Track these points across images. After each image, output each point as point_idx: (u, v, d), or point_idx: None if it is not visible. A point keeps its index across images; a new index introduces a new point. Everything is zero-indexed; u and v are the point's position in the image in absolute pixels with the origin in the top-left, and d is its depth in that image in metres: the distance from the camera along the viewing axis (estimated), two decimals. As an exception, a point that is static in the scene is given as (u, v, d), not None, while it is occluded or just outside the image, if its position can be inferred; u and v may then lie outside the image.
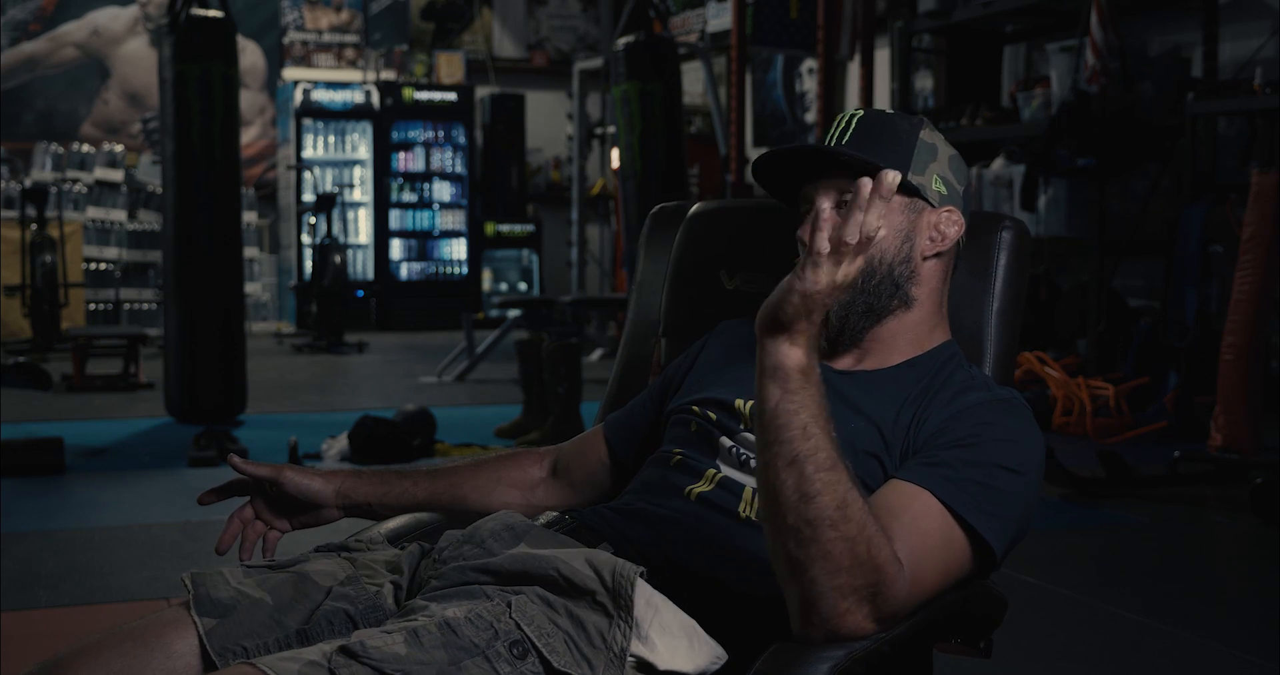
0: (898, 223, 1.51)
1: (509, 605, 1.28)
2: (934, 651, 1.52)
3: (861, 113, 1.55)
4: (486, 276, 12.58)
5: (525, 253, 12.65)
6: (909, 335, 1.54)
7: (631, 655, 1.30)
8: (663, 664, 1.31)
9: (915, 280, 1.52)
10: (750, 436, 1.49)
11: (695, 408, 1.57)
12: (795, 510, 1.20)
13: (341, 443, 5.32)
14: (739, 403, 1.53)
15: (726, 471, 1.50)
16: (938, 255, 1.54)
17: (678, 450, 1.55)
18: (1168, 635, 3.13)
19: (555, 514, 1.58)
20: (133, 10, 12.19)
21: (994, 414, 1.44)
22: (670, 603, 1.35)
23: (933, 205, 1.53)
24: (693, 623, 1.35)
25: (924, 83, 9.17)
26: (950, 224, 1.53)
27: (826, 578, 1.21)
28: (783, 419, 1.21)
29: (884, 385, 1.50)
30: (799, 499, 1.20)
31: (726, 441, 1.52)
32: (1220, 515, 4.47)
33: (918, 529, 1.31)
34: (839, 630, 1.23)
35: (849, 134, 1.52)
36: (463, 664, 1.21)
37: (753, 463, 1.46)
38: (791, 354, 1.22)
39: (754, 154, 10.99)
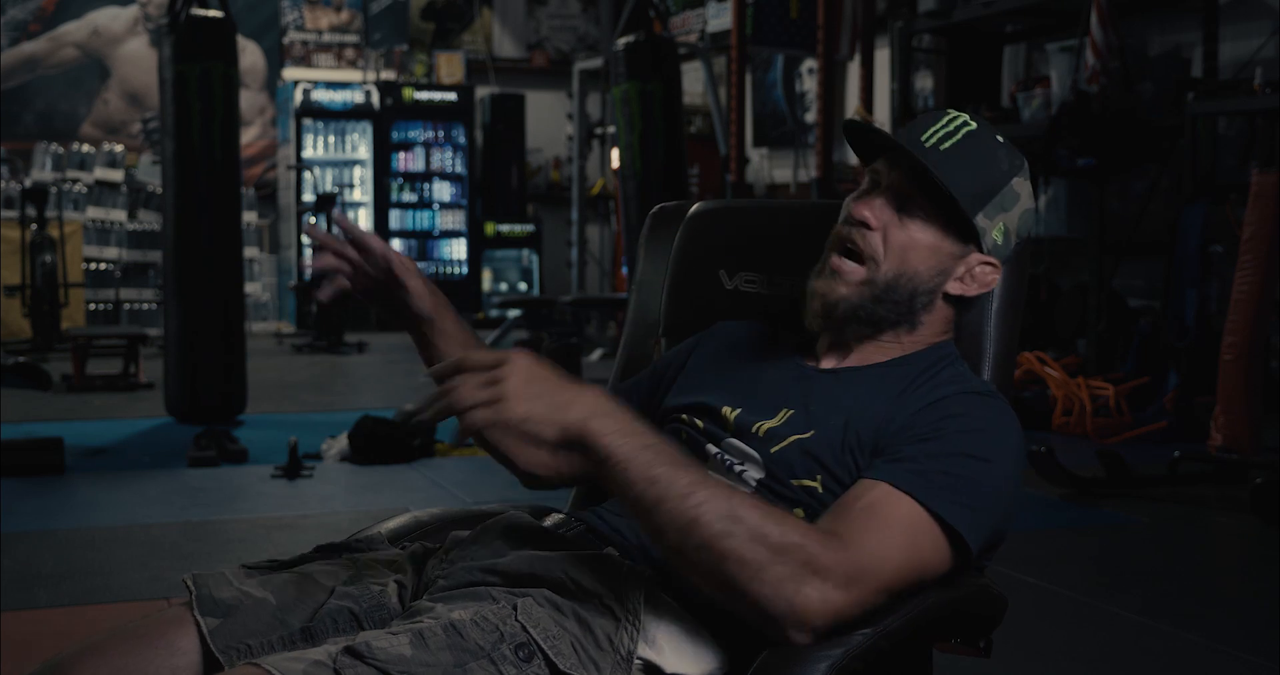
0: (943, 252, 1.48)
1: (515, 608, 1.28)
2: (934, 651, 1.52)
3: (973, 127, 1.47)
4: (486, 276, 12.58)
5: (525, 253, 12.65)
6: (903, 344, 1.53)
7: (638, 658, 1.31)
8: (669, 667, 1.32)
9: (929, 310, 1.51)
10: (735, 443, 1.49)
11: (684, 417, 1.57)
12: (687, 543, 1.21)
13: (341, 443, 5.32)
14: (725, 410, 1.53)
15: (716, 478, 1.50)
16: (960, 299, 1.52)
17: None
18: (1168, 635, 3.13)
19: (561, 516, 1.58)
20: (133, 10, 12.19)
21: (962, 406, 1.41)
22: (676, 606, 1.36)
23: (983, 250, 1.49)
24: (698, 626, 1.35)
25: (924, 83, 9.17)
26: (986, 274, 1.50)
27: (756, 581, 1.21)
28: (624, 486, 1.22)
29: (868, 382, 1.49)
30: (683, 532, 1.20)
31: (712, 448, 1.51)
32: (1220, 515, 4.47)
33: (866, 510, 1.30)
34: (805, 618, 1.22)
35: (950, 143, 1.45)
36: (468, 666, 1.21)
37: (737, 468, 1.47)
38: (587, 429, 1.21)
39: (754, 154, 10.99)
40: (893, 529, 1.30)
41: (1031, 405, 6.08)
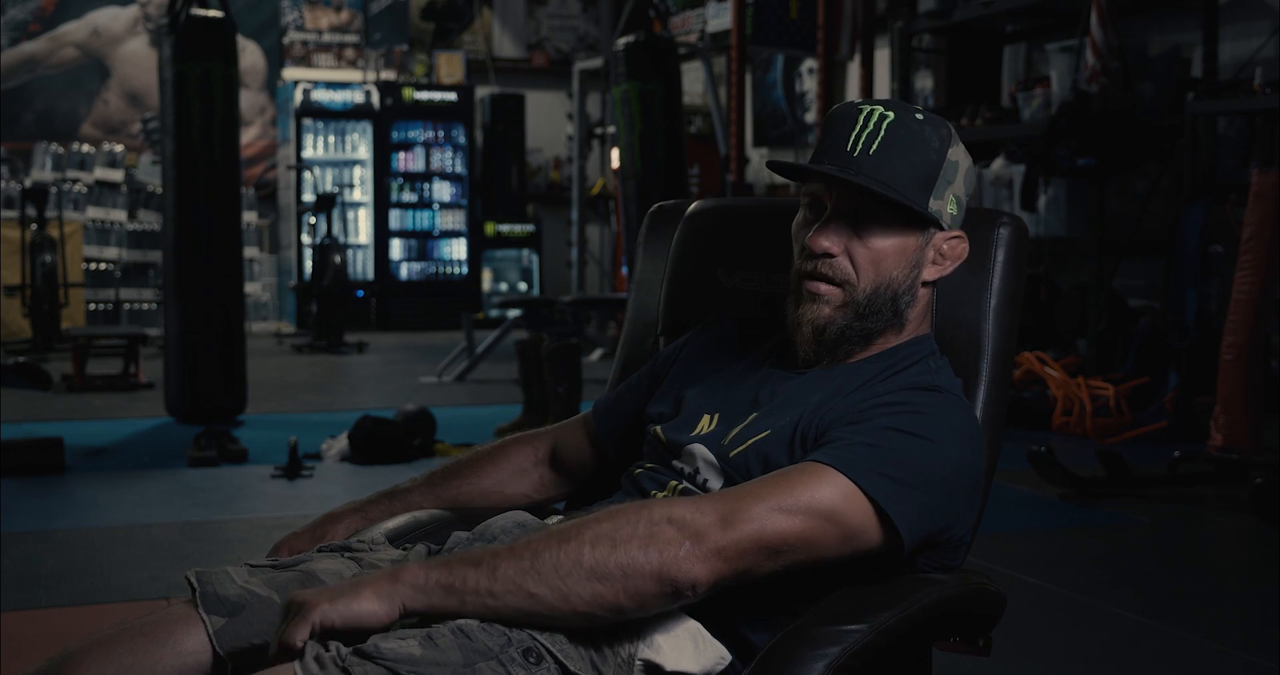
0: (910, 250, 1.48)
1: None
2: (934, 650, 1.52)
3: (891, 117, 1.46)
4: (486, 276, 12.58)
5: (525, 253, 12.65)
6: (887, 342, 1.53)
7: (639, 659, 1.31)
8: (669, 665, 1.33)
9: (912, 304, 1.52)
10: (701, 449, 1.50)
11: (656, 429, 1.58)
12: (543, 584, 1.24)
13: (341, 443, 5.32)
14: (705, 419, 1.54)
15: (685, 484, 1.51)
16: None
17: (648, 464, 1.58)
18: (1168, 635, 3.13)
19: (560, 517, 1.60)
20: (133, 10, 12.19)
21: (901, 397, 1.43)
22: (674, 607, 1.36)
23: (944, 228, 1.51)
24: (697, 625, 1.36)
25: (924, 83, 9.17)
26: (955, 247, 1.52)
27: (623, 560, 1.23)
28: (463, 598, 1.25)
29: (834, 380, 1.50)
30: (532, 581, 1.24)
31: (677, 463, 1.54)
32: (1220, 515, 4.46)
33: (766, 476, 1.34)
34: (689, 574, 1.24)
35: (876, 142, 1.44)
36: (476, 666, 1.22)
37: (699, 478, 1.49)
38: (378, 594, 1.25)
39: (754, 154, 10.99)
40: (779, 476, 1.32)
41: (1031, 405, 6.08)
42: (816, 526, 1.30)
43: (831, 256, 1.47)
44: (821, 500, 1.31)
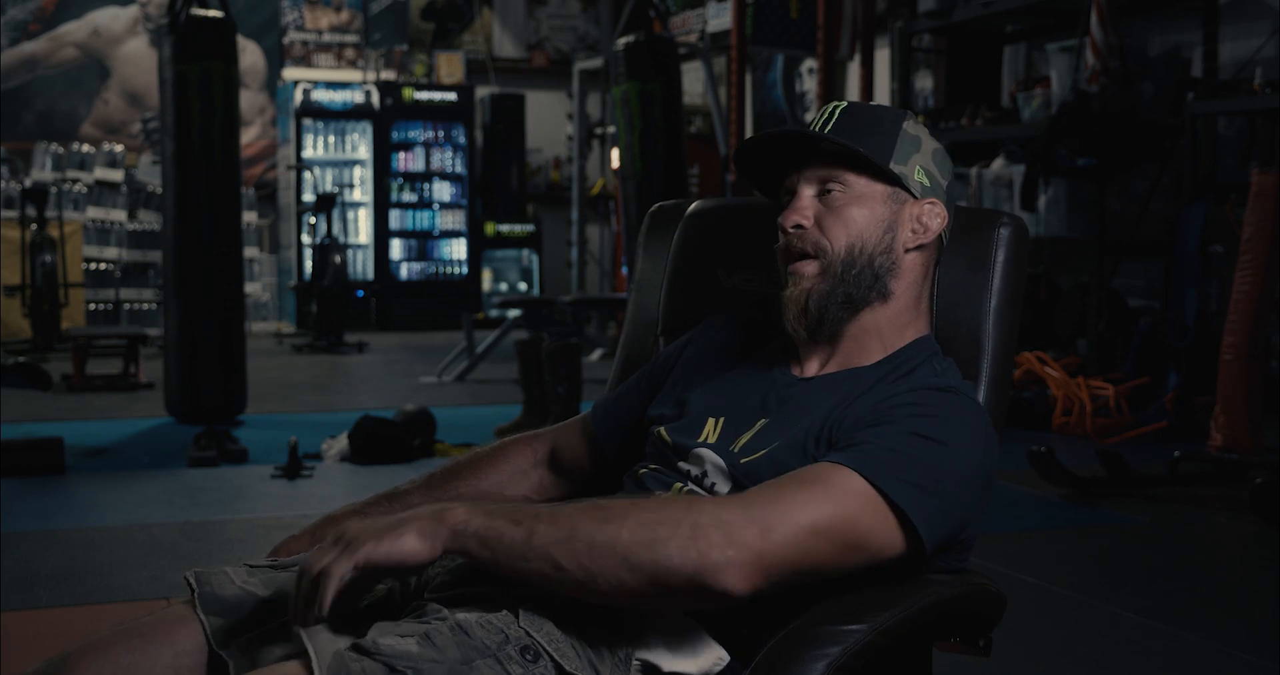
0: (880, 212, 1.51)
1: (517, 615, 1.29)
2: (934, 650, 1.52)
3: (844, 104, 1.54)
4: (486, 276, 12.58)
5: (525, 253, 12.66)
6: (883, 331, 1.53)
7: (636, 659, 1.31)
8: (667, 665, 1.32)
9: (895, 272, 1.52)
10: (708, 453, 1.50)
11: (659, 430, 1.58)
12: (573, 561, 1.23)
13: (341, 443, 5.32)
14: (710, 423, 1.54)
15: (690, 486, 1.51)
16: (920, 248, 1.53)
17: (652, 465, 1.58)
18: (1168, 635, 3.13)
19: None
20: (133, 10, 12.19)
21: (917, 398, 1.43)
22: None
23: (915, 196, 1.52)
24: (695, 625, 1.35)
25: (924, 83, 9.17)
26: (933, 216, 1.53)
27: (660, 554, 1.22)
28: (496, 553, 1.25)
29: (841, 386, 1.50)
30: (564, 554, 1.23)
31: (682, 464, 1.53)
32: (1220, 515, 4.46)
33: (792, 476, 1.33)
34: (720, 561, 1.22)
35: (832, 123, 1.52)
36: (474, 663, 1.22)
37: (706, 481, 1.48)
38: (439, 516, 1.26)
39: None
40: (813, 484, 1.31)
41: (1031, 405, 6.08)
42: (849, 550, 1.31)
43: (803, 228, 1.51)
44: (877, 535, 1.31)
